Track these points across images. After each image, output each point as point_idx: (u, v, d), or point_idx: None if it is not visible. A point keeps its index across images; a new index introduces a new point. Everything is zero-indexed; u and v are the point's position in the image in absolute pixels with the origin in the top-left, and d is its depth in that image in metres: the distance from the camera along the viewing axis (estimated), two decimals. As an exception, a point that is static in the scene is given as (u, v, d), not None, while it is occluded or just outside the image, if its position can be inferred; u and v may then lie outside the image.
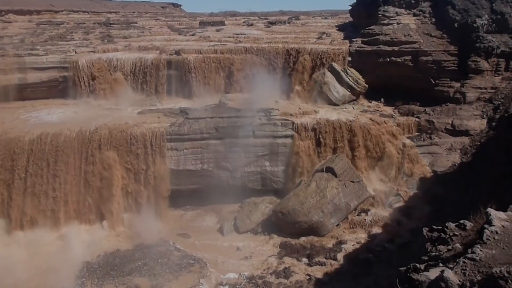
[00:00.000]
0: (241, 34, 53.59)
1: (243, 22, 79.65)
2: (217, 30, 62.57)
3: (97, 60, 41.14)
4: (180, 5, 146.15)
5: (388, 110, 39.57)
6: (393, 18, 43.56)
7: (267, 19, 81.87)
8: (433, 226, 11.66)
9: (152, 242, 29.77)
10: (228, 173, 33.53)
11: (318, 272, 26.79)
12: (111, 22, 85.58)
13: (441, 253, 9.90)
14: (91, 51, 44.23)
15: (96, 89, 40.37)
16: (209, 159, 33.30)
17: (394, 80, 40.30)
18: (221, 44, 45.68)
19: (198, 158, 33.17)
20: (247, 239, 30.79)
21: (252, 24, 72.94)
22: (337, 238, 30.16)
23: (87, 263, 27.50)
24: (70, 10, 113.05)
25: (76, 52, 43.02)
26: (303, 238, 30.12)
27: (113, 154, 31.57)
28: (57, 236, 30.18)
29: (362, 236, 30.30)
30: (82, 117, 35.85)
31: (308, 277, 26.32)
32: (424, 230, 11.83)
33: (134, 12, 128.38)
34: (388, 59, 40.25)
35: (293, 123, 34.00)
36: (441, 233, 10.96)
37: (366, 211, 32.03)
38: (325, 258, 28.07)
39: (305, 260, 28.08)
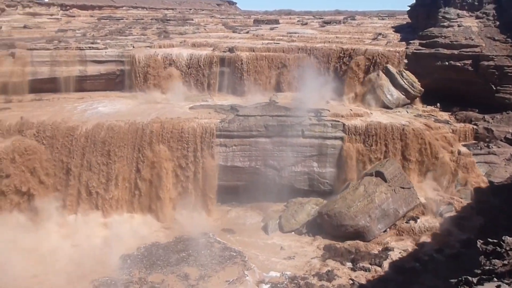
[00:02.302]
0: (295, 33, 53.43)
1: (298, 21, 79.29)
2: (271, 29, 62.68)
3: (153, 55, 42.21)
4: (235, 3, 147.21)
5: (444, 115, 38.18)
6: (454, 20, 42.00)
7: (322, 18, 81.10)
8: (488, 239, 11.11)
9: (193, 235, 30.28)
10: (275, 171, 33.51)
11: (362, 278, 26.24)
12: (168, 18, 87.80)
13: (496, 267, 9.42)
14: (148, 46, 45.44)
15: (151, 83, 41.41)
16: (257, 156, 33.41)
17: (452, 85, 38.83)
18: (274, 43, 45.69)
19: (246, 155, 33.36)
20: (291, 239, 30.65)
21: (306, 23, 72.51)
22: (383, 245, 29.41)
23: (133, 253, 28.27)
24: (130, 6, 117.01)
25: (133, 47, 44.36)
26: (348, 242, 29.60)
27: (164, 148, 32.33)
28: (106, 223, 31.31)
29: (410, 244, 29.40)
30: (136, 110, 36.96)
31: (351, 281, 25.84)
32: (478, 242, 11.30)
33: (190, 9, 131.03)
34: (447, 63, 38.82)
35: (344, 124, 33.50)
36: (497, 247, 10.42)
37: (415, 219, 31.04)
38: (370, 264, 27.46)
39: (349, 264, 27.60)
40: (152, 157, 32.22)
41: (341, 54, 41.41)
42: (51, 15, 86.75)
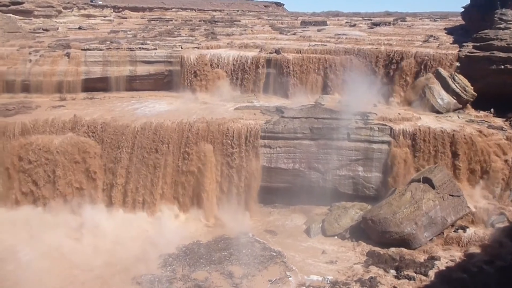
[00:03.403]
0: (343, 34, 52.73)
1: (346, 22, 78.35)
2: (318, 30, 62.18)
3: (200, 56, 42.87)
4: (283, 4, 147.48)
5: (498, 121, 36.44)
6: (511, 22, 40.12)
7: (371, 20, 79.72)
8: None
9: (233, 235, 30.49)
10: (319, 174, 33.21)
11: (406, 286, 25.53)
12: (216, 19, 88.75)
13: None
14: (196, 47, 46.15)
15: (198, 84, 42.10)
16: (301, 159, 33.23)
17: (507, 89, 37.05)
18: (321, 44, 45.30)
19: (290, 157, 33.25)
20: (334, 243, 30.28)
21: (355, 25, 71.48)
22: (430, 253, 28.50)
23: (174, 250, 28.66)
24: (179, 7, 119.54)
25: (182, 48, 45.22)
26: (392, 249, 28.90)
27: (209, 147, 32.75)
28: (149, 220, 32.05)
29: (458, 254, 28.32)
30: (183, 109, 37.65)
31: (395, 290, 25.23)
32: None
33: (238, 11, 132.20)
34: (502, 66, 37.12)
35: (391, 128, 32.76)
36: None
37: (464, 228, 29.90)
38: (415, 272, 26.66)
39: (393, 272, 26.92)
40: (197, 157, 32.71)
41: (390, 56, 40.53)
42: (104, 16, 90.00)
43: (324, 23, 74.76)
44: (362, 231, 30.39)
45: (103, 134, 33.47)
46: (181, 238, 29.87)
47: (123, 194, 33.01)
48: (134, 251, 28.24)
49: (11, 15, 67.41)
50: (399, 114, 34.89)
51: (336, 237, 30.84)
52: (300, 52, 42.67)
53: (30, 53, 43.87)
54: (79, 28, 72.80)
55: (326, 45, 44.92)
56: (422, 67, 38.89)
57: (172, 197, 33.12)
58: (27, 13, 70.94)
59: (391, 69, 40.17)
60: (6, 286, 24.79)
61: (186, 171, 32.85)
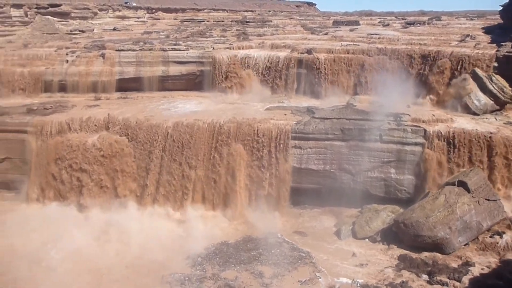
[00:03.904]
0: (375, 34, 52.05)
1: (379, 22, 77.34)
2: (351, 30, 61.58)
3: (232, 56, 43.10)
4: (315, 4, 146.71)
5: (538, 124, 35.21)
6: (553, 21, 38.70)
7: (405, 19, 78.39)
8: None
9: (261, 235, 30.43)
10: (350, 176, 32.82)
11: (439, 292, 24.96)
12: (247, 20, 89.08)
13: None
14: (227, 48, 46.45)
15: (229, 84, 42.35)
16: (332, 160, 32.92)
17: (548, 91, 35.78)
18: (353, 44, 44.79)
19: (321, 158, 32.99)
20: (364, 246, 29.83)
21: (388, 24, 70.47)
22: (464, 259, 27.70)
23: (203, 250, 28.79)
24: (211, 8, 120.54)
25: (213, 48, 45.57)
26: (425, 253, 28.25)
27: (240, 147, 32.85)
28: (179, 219, 32.33)
29: (493, 260, 27.43)
30: (214, 109, 37.94)
31: (427, 295, 24.68)
32: None
33: (269, 11, 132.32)
34: (543, 67, 35.84)
35: (425, 130, 32.04)
36: None
37: (500, 234, 28.94)
38: (448, 278, 25.97)
39: (425, 276, 26.31)
40: (227, 156, 32.87)
41: (424, 56, 39.66)
42: (138, 18, 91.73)
43: (356, 23, 74.00)
44: (394, 234, 29.84)
45: (135, 133, 34.05)
46: (209, 238, 30.05)
47: (153, 193, 33.48)
48: (163, 250, 28.52)
49: (49, 17, 69.59)
50: (433, 115, 34.10)
51: (366, 240, 30.39)
52: (332, 52, 42.30)
53: (67, 54, 45.21)
54: (114, 29, 74.46)
55: (358, 45, 44.38)
56: (458, 67, 37.90)
57: (201, 197, 33.38)
58: (64, 15, 73.04)
59: (426, 70, 39.31)
60: (35, 283, 25.37)
61: (216, 171, 33.04)
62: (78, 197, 33.55)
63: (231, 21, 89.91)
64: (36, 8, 69.15)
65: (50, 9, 71.40)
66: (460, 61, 37.95)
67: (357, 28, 64.98)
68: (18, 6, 65.92)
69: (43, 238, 28.99)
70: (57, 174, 33.93)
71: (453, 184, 29.89)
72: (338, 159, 32.86)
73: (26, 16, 66.10)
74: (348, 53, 41.89)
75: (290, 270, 26.80)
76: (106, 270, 26.49)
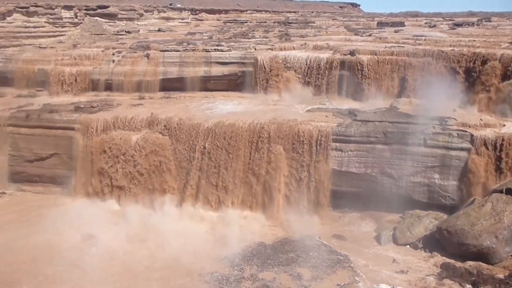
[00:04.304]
0: (421, 35, 50.83)
1: (425, 23, 75.50)
2: (395, 31, 60.43)
3: (273, 57, 43.12)
4: (359, 5, 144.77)
5: None
6: None
7: (453, 20, 76.10)
8: None
9: (298, 237, 30.21)
10: (392, 180, 32.12)
11: (483, 303, 24.06)
12: (290, 21, 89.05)
13: None
14: (269, 49, 46.51)
15: (270, 85, 42.39)
16: (373, 163, 32.33)
17: None
18: (398, 46, 43.86)
19: (362, 161, 32.47)
20: (405, 252, 29.09)
21: (434, 26, 68.67)
22: (511, 270, 26.59)
23: (241, 250, 28.80)
24: (254, 9, 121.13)
25: (255, 49, 45.74)
26: (469, 262, 27.26)
27: (280, 148, 32.77)
28: (218, 219, 32.52)
29: (543, 273, 26.21)
30: (255, 110, 38.07)
31: (471, 306, 23.83)
32: None
33: (312, 12, 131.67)
34: None
35: (472, 135, 30.96)
36: None
37: (551, 245, 27.61)
38: (494, 289, 25.04)
39: (469, 286, 25.39)
40: (267, 157, 32.88)
41: (472, 59, 38.31)
42: (182, 19, 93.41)
43: (401, 24, 72.59)
44: (437, 241, 28.96)
45: (177, 132, 34.60)
46: (246, 239, 30.06)
47: (192, 192, 33.91)
48: (200, 249, 28.72)
49: (98, 18, 71.95)
50: (481, 120, 32.87)
51: (408, 246, 29.65)
52: (376, 54, 41.56)
53: (113, 54, 46.59)
54: (159, 30, 76.16)
55: (403, 46, 43.43)
56: (509, 70, 36.39)
57: (240, 198, 33.52)
58: (112, 16, 75.29)
59: (474, 72, 37.96)
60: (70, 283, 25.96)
61: (256, 172, 33.11)
62: (120, 194, 34.43)
63: (274, 22, 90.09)
64: (85, 9, 71.64)
65: (99, 10, 73.81)
66: (511, 64, 36.44)
67: (402, 30, 63.68)
68: (68, 8, 68.51)
69: (81, 234, 29.71)
70: (101, 171, 34.93)
71: (500, 191, 28.76)
72: (380, 162, 32.25)
73: (76, 17, 68.59)
74: (392, 55, 41.03)
75: (328, 273, 26.51)
76: (142, 269, 26.79)
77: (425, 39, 47.70)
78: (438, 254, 28.41)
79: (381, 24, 76.55)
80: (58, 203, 34.89)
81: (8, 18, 57.94)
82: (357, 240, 30.43)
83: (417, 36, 50.73)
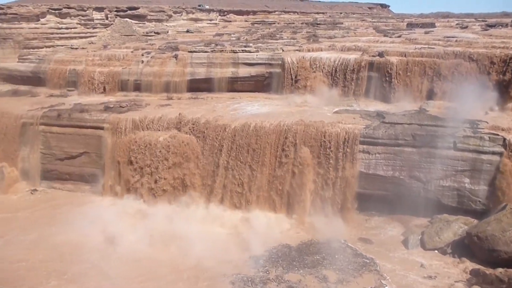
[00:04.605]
0: (452, 37, 49.82)
1: (456, 24, 73.98)
2: (426, 32, 59.43)
3: (301, 58, 42.98)
4: (388, 6, 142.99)
5: None
6: None
7: (486, 21, 74.29)
8: None
9: (324, 239, 29.98)
10: (420, 184, 31.56)
11: (514, 312, 23.37)
12: (318, 22, 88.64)
13: None
14: (297, 50, 46.39)
15: (298, 86, 42.23)
16: (401, 166, 31.82)
17: None
18: (428, 47, 43.11)
19: (389, 164, 32.00)
20: (433, 257, 28.53)
21: (466, 27, 67.21)
22: (545, 278, 25.76)
23: (265, 252, 28.73)
24: (282, 10, 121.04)
25: (283, 50, 45.69)
26: (500, 269, 26.42)
27: (306, 150, 32.61)
28: (243, 220, 32.50)
29: None
30: (281, 111, 38.02)
31: (501, 314, 23.17)
32: None
33: (341, 13, 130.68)
34: None
35: (504, 139, 30.13)
36: None
37: None
38: (526, 298, 24.29)
39: (500, 294, 24.77)
40: (294, 159, 32.76)
41: (506, 61, 37.32)
42: (210, 20, 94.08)
43: (432, 25, 71.35)
44: (466, 247, 28.30)
45: (204, 132, 34.84)
46: (271, 240, 29.96)
47: (218, 192, 34.05)
48: (225, 250, 28.77)
49: (127, 19, 73.20)
50: (515, 123, 32.02)
51: (436, 251, 29.08)
52: (405, 55, 40.94)
53: (142, 55, 47.31)
54: (187, 31, 76.89)
55: (433, 48, 42.66)
56: (544, 72, 35.36)
57: (266, 198, 33.47)
58: (141, 18, 76.45)
59: (507, 74, 36.98)
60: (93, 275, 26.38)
61: (282, 173, 33.03)
62: (146, 193, 34.84)
63: (302, 23, 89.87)
64: (116, 11, 72.96)
65: (129, 12, 75.06)
66: (546, 66, 35.39)
67: (432, 31, 62.53)
68: (99, 9, 69.91)
69: (107, 233, 30.05)
70: (129, 170, 35.41)
71: (534, 197, 27.91)
72: (408, 166, 31.72)
73: (107, 18, 69.93)
74: (422, 57, 40.34)
75: (355, 276, 26.26)
76: (168, 270, 26.88)
77: (456, 41, 46.76)
78: (467, 260, 27.77)
79: (410, 25, 75.44)
80: (87, 201, 35.64)
81: (42, 20, 59.49)
82: (383, 244, 30.02)
83: (448, 37, 49.76)
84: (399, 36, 55.68)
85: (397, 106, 38.06)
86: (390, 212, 32.67)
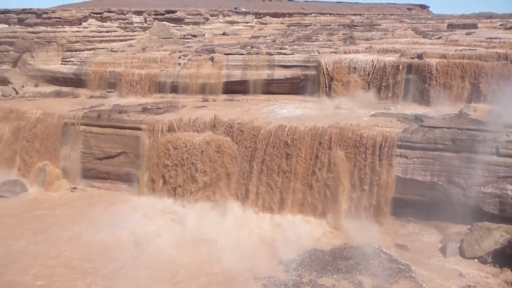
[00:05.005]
0: (496, 38, 48.22)
1: (500, 25, 71.57)
2: (467, 34, 57.79)
3: (337, 60, 42.54)
4: (428, 7, 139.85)
5: None
6: None
7: (531, 22, 71.53)
8: None
9: (357, 244, 29.49)
10: (460, 190, 30.60)
11: (560, 326, 22.31)
12: (355, 24, 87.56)
13: None
14: (333, 52, 45.97)
15: (333, 89, 41.84)
16: (440, 172, 30.95)
17: None
18: (469, 49, 41.88)
19: (428, 169, 31.17)
20: (473, 266, 27.59)
21: (510, 28, 64.81)
22: None
23: (298, 255, 28.43)
24: (318, 12, 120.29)
25: (319, 52, 45.37)
26: (544, 281, 25.46)
27: (342, 153, 32.21)
28: (276, 223, 32.41)
29: None
30: (317, 114, 37.79)
31: (545, 329, 22.18)
32: None
33: (378, 14, 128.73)
34: None
35: (550, 144, 28.91)
36: None
37: None
38: None
39: (543, 307, 23.73)
40: (329, 162, 32.42)
41: (553, 63, 35.86)
42: (246, 22, 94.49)
43: (474, 26, 69.32)
44: (508, 256, 27.20)
45: (239, 134, 34.95)
46: (304, 244, 29.67)
47: (252, 195, 34.01)
48: (258, 253, 28.69)
49: (165, 22, 74.42)
50: (562, 128, 30.65)
51: (476, 260, 28.11)
52: (445, 57, 39.92)
53: (179, 57, 48.06)
54: (223, 34, 77.44)
55: (475, 49, 41.44)
56: None
57: (299, 202, 33.24)
58: (179, 21, 77.55)
59: (554, 77, 35.50)
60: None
61: (316, 176, 32.73)
62: (182, 194, 35.25)
63: (338, 25, 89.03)
64: (154, 14, 74.26)
65: (167, 15, 76.24)
66: None
67: (474, 32, 60.73)
68: (138, 13, 71.33)
69: (141, 233, 30.49)
70: (165, 170, 35.91)
71: None
72: (447, 171, 30.82)
73: (145, 22, 71.28)
74: (463, 58, 39.23)
75: (390, 282, 25.70)
76: (200, 272, 26.89)
77: (499, 42, 45.23)
78: (509, 270, 26.67)
79: (451, 26, 73.60)
80: (123, 200, 36.41)
81: (84, 24, 61.18)
82: (420, 251, 29.25)
83: (491, 38, 48.20)
84: (439, 38, 54.39)
85: (436, 109, 37.14)
86: (427, 219, 31.80)
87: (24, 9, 58.99)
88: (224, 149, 34.66)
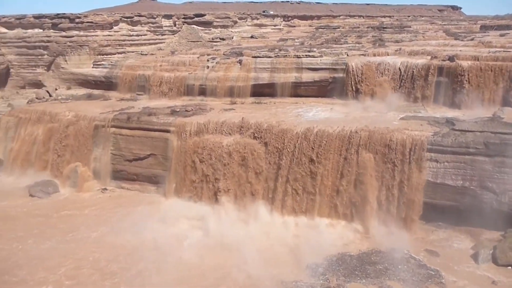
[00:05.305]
0: (531, 39, 46.86)
1: (536, 26, 69.40)
2: (501, 35, 56.36)
3: (366, 63, 42.10)
4: (460, 8, 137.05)
5: None
6: None
7: None
8: None
9: (385, 249, 29.01)
10: (493, 195, 29.78)
11: None
12: (384, 26, 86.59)
13: None
14: (362, 55, 45.50)
15: (362, 92, 41.43)
16: (472, 176, 30.20)
17: None
18: (503, 51, 40.78)
19: (459, 173, 30.47)
20: (506, 274, 26.79)
21: (547, 29, 62.89)
22: None
23: (325, 260, 28.15)
24: (347, 15, 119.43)
25: (347, 55, 45.01)
26: None
27: (370, 157, 31.81)
28: (303, 226, 32.18)
29: None
30: (345, 117, 37.45)
31: None
32: None
33: (408, 16, 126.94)
34: None
35: None
36: None
37: None
38: None
39: None
40: (357, 166, 32.08)
41: None
42: (275, 25, 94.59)
43: (508, 27, 67.64)
44: (544, 265, 26.43)
45: (267, 137, 34.93)
46: (331, 248, 29.37)
47: (279, 198, 33.89)
48: (284, 257, 28.56)
49: (194, 26, 75.32)
50: None
51: (509, 267, 27.33)
52: (478, 59, 38.98)
53: (207, 60, 48.50)
54: (251, 37, 77.77)
55: (509, 51, 40.30)
56: None
57: (327, 206, 32.93)
58: (207, 24, 78.36)
59: None
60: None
61: (345, 180, 32.42)
62: (209, 196, 35.45)
63: (367, 27, 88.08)
64: (183, 18, 75.28)
65: (196, 18, 77.17)
66: None
67: (508, 33, 59.15)
68: (168, 17, 72.42)
69: (167, 235, 30.70)
70: (193, 173, 36.20)
71: None
72: (479, 175, 30.05)
73: (175, 25, 72.26)
74: (497, 61, 38.22)
75: (421, 288, 25.22)
76: (226, 276, 26.84)
77: (535, 43, 43.97)
78: (545, 279, 25.92)
79: (484, 28, 72.01)
80: (151, 202, 36.87)
81: (115, 28, 62.52)
82: (450, 257, 28.61)
83: (527, 40, 46.89)
84: (472, 39, 53.20)
85: (468, 112, 36.34)
86: (458, 224, 31.04)
87: (58, 14, 60.77)
88: (251, 152, 34.70)
